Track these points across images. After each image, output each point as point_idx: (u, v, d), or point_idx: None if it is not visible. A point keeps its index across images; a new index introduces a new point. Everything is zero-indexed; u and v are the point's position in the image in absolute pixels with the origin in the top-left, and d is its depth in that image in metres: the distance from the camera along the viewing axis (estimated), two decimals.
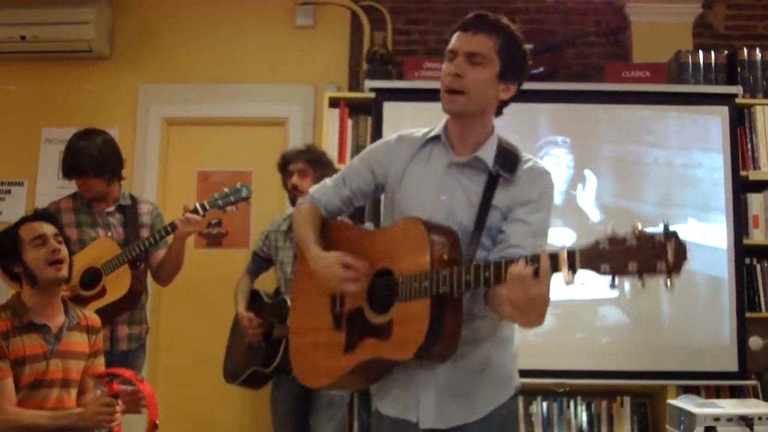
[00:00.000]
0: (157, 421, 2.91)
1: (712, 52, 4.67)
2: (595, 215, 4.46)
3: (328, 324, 2.37)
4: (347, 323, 2.31)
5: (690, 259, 4.30)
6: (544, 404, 4.49)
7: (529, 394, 4.48)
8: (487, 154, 2.27)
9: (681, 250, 1.72)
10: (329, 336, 2.35)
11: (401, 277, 2.15)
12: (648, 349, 4.36)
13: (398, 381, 2.30)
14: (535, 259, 1.87)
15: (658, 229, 1.73)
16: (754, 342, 4.26)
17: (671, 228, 1.71)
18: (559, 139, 4.50)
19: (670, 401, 3.43)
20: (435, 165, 2.32)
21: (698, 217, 4.43)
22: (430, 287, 2.06)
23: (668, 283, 1.73)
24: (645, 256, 1.73)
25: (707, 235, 4.40)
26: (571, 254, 1.82)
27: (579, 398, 4.50)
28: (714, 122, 4.51)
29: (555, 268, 1.85)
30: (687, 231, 4.40)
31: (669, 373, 4.31)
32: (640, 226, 1.75)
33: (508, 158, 2.28)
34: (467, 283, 1.99)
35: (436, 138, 2.35)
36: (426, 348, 2.05)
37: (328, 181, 2.55)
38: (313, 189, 2.55)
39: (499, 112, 2.35)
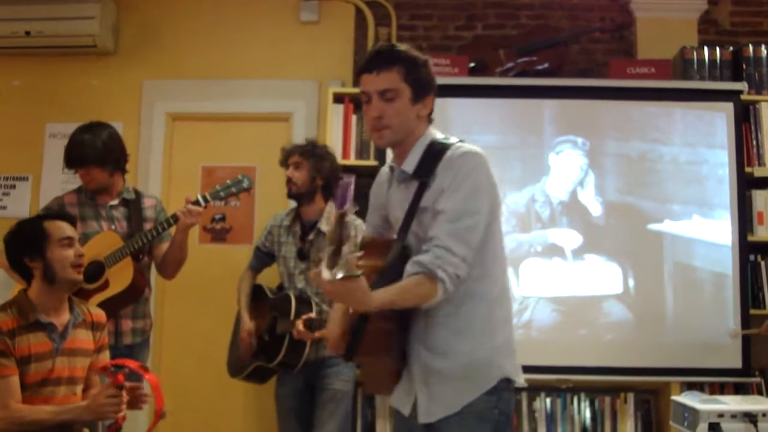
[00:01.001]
0: (164, 409, 2.91)
1: (718, 49, 4.66)
2: (597, 212, 4.45)
3: None
4: None
5: (693, 256, 4.31)
6: (548, 400, 4.49)
7: (533, 390, 4.48)
8: (410, 163, 2.47)
9: None
10: None
11: None
12: (652, 346, 4.36)
13: (403, 380, 2.53)
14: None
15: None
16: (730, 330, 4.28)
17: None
18: (579, 140, 4.50)
19: (674, 397, 3.42)
20: (395, 187, 2.58)
21: (703, 213, 4.42)
22: None
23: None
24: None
25: (712, 231, 4.40)
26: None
27: (583, 394, 4.50)
28: (719, 119, 4.50)
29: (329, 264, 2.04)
30: (692, 228, 4.40)
31: (673, 370, 4.31)
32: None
33: (432, 156, 2.44)
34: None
35: (392, 166, 2.61)
36: (351, 351, 2.36)
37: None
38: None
39: (429, 119, 2.54)
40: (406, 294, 2.27)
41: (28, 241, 3.03)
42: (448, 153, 2.42)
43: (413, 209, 2.42)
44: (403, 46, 2.50)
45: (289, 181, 3.92)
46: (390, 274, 2.32)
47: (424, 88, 2.48)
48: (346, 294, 2.11)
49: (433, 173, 2.40)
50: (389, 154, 2.72)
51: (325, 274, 2.00)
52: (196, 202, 3.70)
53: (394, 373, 2.51)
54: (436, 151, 2.45)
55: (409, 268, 2.29)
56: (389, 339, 2.39)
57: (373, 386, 2.79)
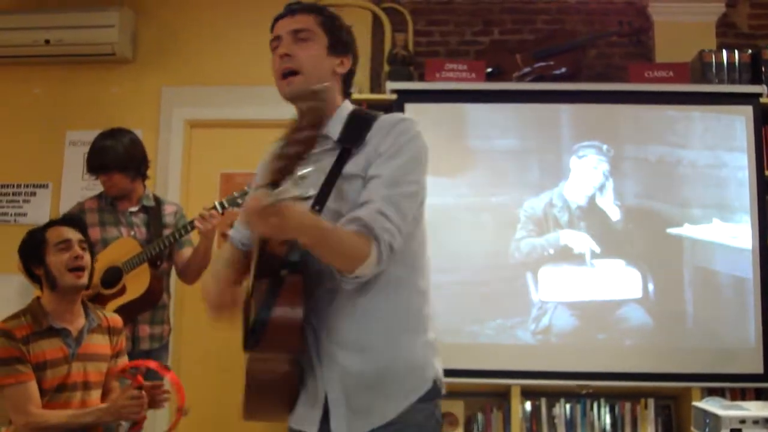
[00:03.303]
0: (186, 406, 2.93)
1: (736, 52, 4.63)
2: (617, 216, 4.43)
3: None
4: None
5: (713, 260, 4.30)
6: (567, 406, 4.47)
7: (552, 395, 4.46)
8: (333, 128, 2.12)
9: None
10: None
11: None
12: (672, 351, 4.33)
13: (304, 394, 2.11)
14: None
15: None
16: None
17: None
18: (604, 147, 4.48)
19: (695, 403, 3.41)
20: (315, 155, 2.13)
21: (723, 217, 4.40)
22: (255, 271, 2.04)
23: None
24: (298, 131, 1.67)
25: (732, 235, 4.38)
26: None
27: (602, 400, 4.48)
28: (738, 122, 4.47)
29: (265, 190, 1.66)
30: (711, 231, 4.38)
31: (693, 375, 4.28)
32: None
33: (358, 126, 2.12)
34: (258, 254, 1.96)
35: None
36: (254, 339, 2.01)
37: None
38: None
39: (346, 92, 2.26)
40: (336, 238, 1.88)
41: (31, 250, 3.07)
42: (380, 119, 2.13)
43: (332, 178, 2.03)
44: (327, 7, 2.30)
45: None
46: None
47: (341, 43, 2.22)
48: (287, 217, 1.70)
49: (362, 139, 2.07)
50: None
51: (269, 195, 1.62)
52: (213, 208, 3.73)
53: (295, 384, 2.08)
54: (362, 119, 2.14)
55: (343, 222, 1.94)
56: (296, 332, 1.94)
57: (259, 408, 2.21)
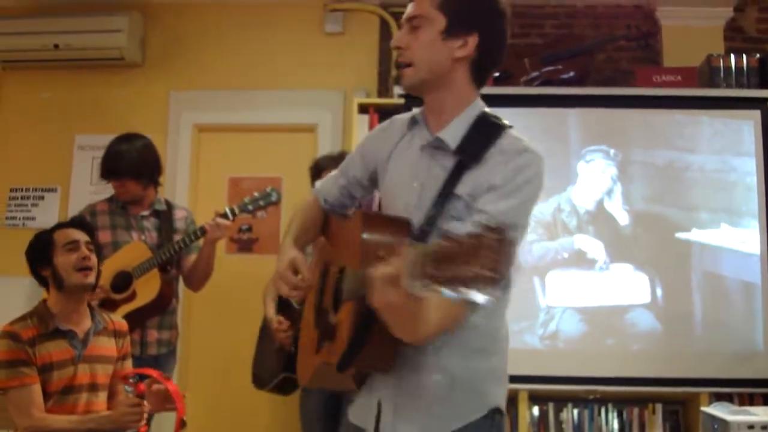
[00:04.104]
0: (185, 418, 2.93)
1: (744, 56, 4.62)
2: (625, 221, 4.43)
3: (311, 321, 2.17)
4: (319, 322, 2.09)
5: (722, 265, 4.28)
6: (575, 411, 4.46)
7: (560, 401, 4.46)
8: (453, 134, 1.97)
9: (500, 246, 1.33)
10: (310, 333, 2.15)
11: (345, 275, 1.93)
12: (680, 356, 4.32)
13: (364, 386, 2.05)
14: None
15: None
16: None
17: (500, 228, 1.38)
18: (612, 151, 4.48)
19: (703, 408, 3.39)
20: (414, 148, 2.05)
21: (731, 222, 4.39)
22: (351, 290, 1.85)
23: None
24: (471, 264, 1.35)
25: (740, 240, 4.36)
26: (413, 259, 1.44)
27: (610, 405, 4.46)
28: (746, 126, 4.46)
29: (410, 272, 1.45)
30: (719, 236, 4.37)
31: (702, 380, 4.27)
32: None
33: (481, 136, 1.95)
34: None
35: (416, 119, 2.10)
36: (349, 354, 1.84)
37: (333, 172, 2.34)
38: (319, 182, 2.37)
39: (478, 79, 2.02)
40: (442, 319, 1.75)
41: (39, 251, 3.08)
42: (505, 139, 1.95)
43: (445, 198, 1.90)
44: None
45: None
46: None
47: (466, 20, 1.94)
48: (404, 317, 1.64)
49: (480, 158, 1.91)
50: None
51: (415, 284, 1.41)
52: (224, 216, 3.72)
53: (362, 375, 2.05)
54: (487, 129, 1.97)
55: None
56: (392, 353, 1.88)
57: (324, 382, 2.19)
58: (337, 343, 1.90)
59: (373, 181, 2.22)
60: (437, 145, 1.99)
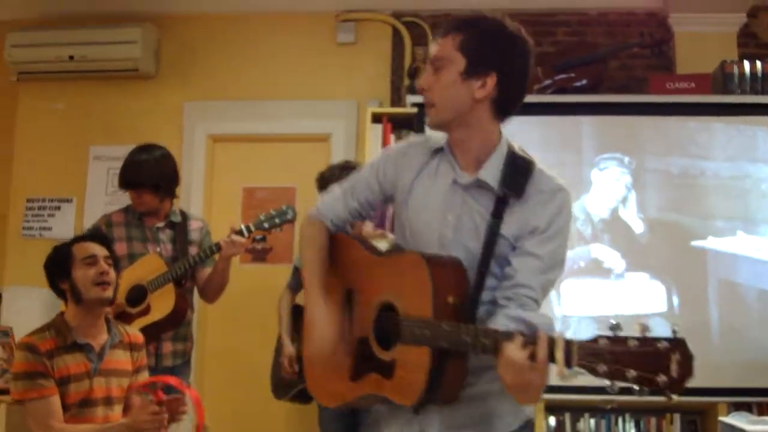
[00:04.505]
0: (205, 423, 2.92)
1: (758, 62, 4.60)
2: (640, 229, 4.41)
3: (333, 341, 2.17)
4: (355, 350, 2.14)
5: (738, 273, 4.24)
6: (592, 421, 4.44)
7: (577, 410, 4.43)
8: (491, 173, 2.03)
9: (687, 363, 1.54)
10: (337, 358, 2.17)
11: (404, 318, 1.96)
12: (697, 365, 4.23)
13: (403, 410, 2.08)
14: (531, 341, 1.69)
15: (666, 332, 1.57)
16: None
17: (680, 335, 1.55)
18: (626, 159, 4.46)
19: (722, 418, 3.37)
20: (442, 180, 2.10)
21: (746, 229, 4.36)
22: (430, 339, 1.87)
23: (669, 397, 1.57)
24: (645, 365, 1.56)
25: (756, 247, 4.34)
26: (568, 348, 1.63)
27: (627, 415, 4.44)
28: (761, 133, 4.45)
29: (551, 358, 1.66)
30: (735, 244, 4.35)
31: (719, 390, 4.22)
32: (647, 328, 1.57)
33: (518, 175, 2.02)
34: (465, 344, 1.80)
35: (442, 149, 2.14)
36: (426, 398, 1.91)
37: (336, 190, 2.34)
38: (321, 200, 2.38)
39: (501, 116, 2.07)
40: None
41: (57, 264, 3.08)
42: (538, 176, 2.04)
43: (493, 239, 1.99)
44: (482, 14, 2.07)
45: None
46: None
47: (482, 62, 1.98)
48: (536, 392, 1.74)
49: (521, 194, 1.99)
50: None
51: (561, 369, 1.62)
52: (240, 233, 3.72)
53: None
54: (520, 167, 2.04)
55: (511, 324, 1.87)
56: (460, 386, 1.96)
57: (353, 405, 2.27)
58: (404, 384, 1.95)
59: (387, 202, 2.27)
60: (477, 185, 2.05)
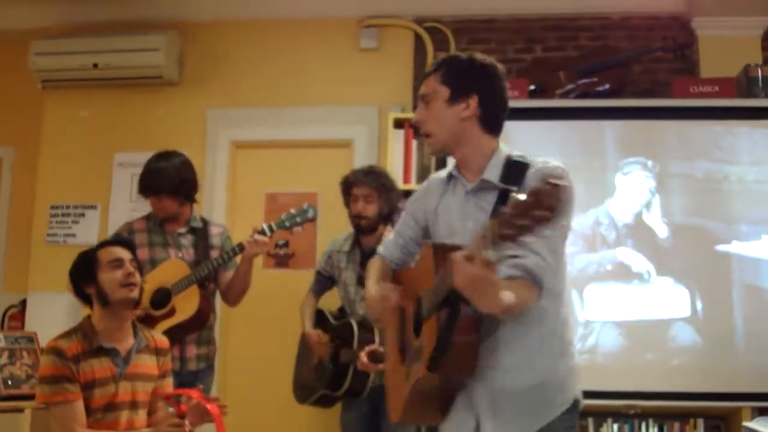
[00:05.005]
0: None
1: None
2: (664, 233, 4.39)
3: (397, 360, 2.46)
4: (405, 356, 2.39)
5: (762, 277, 4.19)
6: (615, 426, 4.41)
7: (600, 416, 4.41)
8: (493, 173, 2.32)
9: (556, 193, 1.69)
10: (398, 372, 2.43)
11: (422, 299, 2.25)
12: (722, 370, 4.26)
13: (458, 404, 2.34)
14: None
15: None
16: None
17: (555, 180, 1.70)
18: (649, 163, 4.45)
19: (746, 423, 3.36)
20: (457, 196, 2.42)
21: None
22: (432, 299, 2.14)
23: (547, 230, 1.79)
24: (540, 205, 1.70)
25: None
26: (490, 234, 1.81)
27: (651, 420, 4.41)
28: None
29: (483, 245, 1.84)
30: (760, 248, 4.31)
31: (744, 395, 4.20)
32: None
33: (516, 169, 2.30)
34: (448, 285, 1.98)
35: (453, 174, 2.46)
36: (437, 360, 2.11)
37: (390, 237, 2.70)
38: (381, 246, 2.72)
39: (491, 128, 2.38)
40: (518, 297, 2.05)
41: (83, 269, 3.11)
42: (535, 165, 2.29)
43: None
44: (458, 52, 2.49)
45: (359, 216, 3.89)
46: None
47: (462, 88, 2.34)
48: (485, 287, 1.91)
49: (521, 181, 2.25)
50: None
51: (489, 253, 1.83)
52: (262, 232, 3.75)
53: (453, 395, 2.35)
54: (518, 164, 2.31)
55: (507, 270, 2.11)
56: (474, 355, 2.17)
57: (415, 414, 2.47)
58: (424, 355, 2.17)
59: (427, 234, 2.56)
60: (482, 186, 2.34)
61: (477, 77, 2.36)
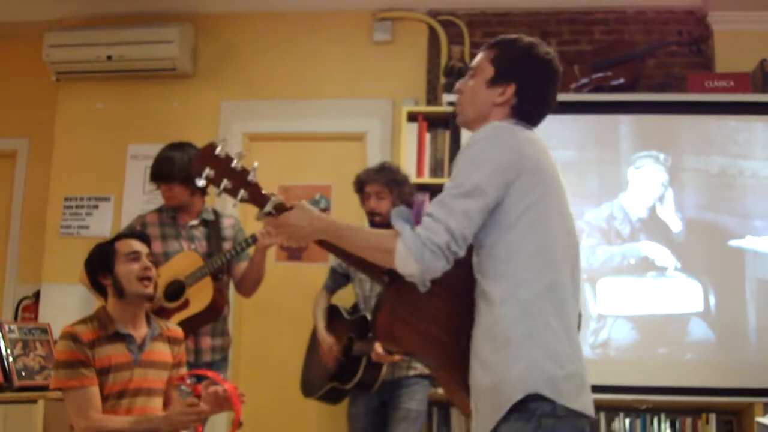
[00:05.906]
0: (242, 419, 2.95)
1: None
2: (677, 228, 4.38)
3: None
4: None
5: None
6: (627, 421, 4.41)
7: (612, 410, 4.41)
8: None
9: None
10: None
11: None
12: (734, 365, 4.26)
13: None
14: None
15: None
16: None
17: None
18: (661, 156, 4.43)
19: (758, 419, 3.35)
20: None
21: None
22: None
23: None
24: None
25: None
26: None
27: (663, 415, 4.40)
28: None
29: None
30: None
31: (756, 390, 4.19)
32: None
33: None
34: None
35: None
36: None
37: None
38: None
39: (520, 120, 2.26)
40: (356, 234, 2.16)
41: (100, 260, 3.14)
42: None
43: None
44: (517, 36, 2.36)
45: (372, 212, 3.92)
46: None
47: (508, 72, 2.26)
48: (284, 228, 2.28)
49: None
50: None
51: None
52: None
53: (462, 386, 2.19)
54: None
55: (394, 220, 2.11)
56: (407, 333, 2.13)
57: (451, 396, 2.39)
58: None
59: None
60: None
61: (523, 66, 2.29)
